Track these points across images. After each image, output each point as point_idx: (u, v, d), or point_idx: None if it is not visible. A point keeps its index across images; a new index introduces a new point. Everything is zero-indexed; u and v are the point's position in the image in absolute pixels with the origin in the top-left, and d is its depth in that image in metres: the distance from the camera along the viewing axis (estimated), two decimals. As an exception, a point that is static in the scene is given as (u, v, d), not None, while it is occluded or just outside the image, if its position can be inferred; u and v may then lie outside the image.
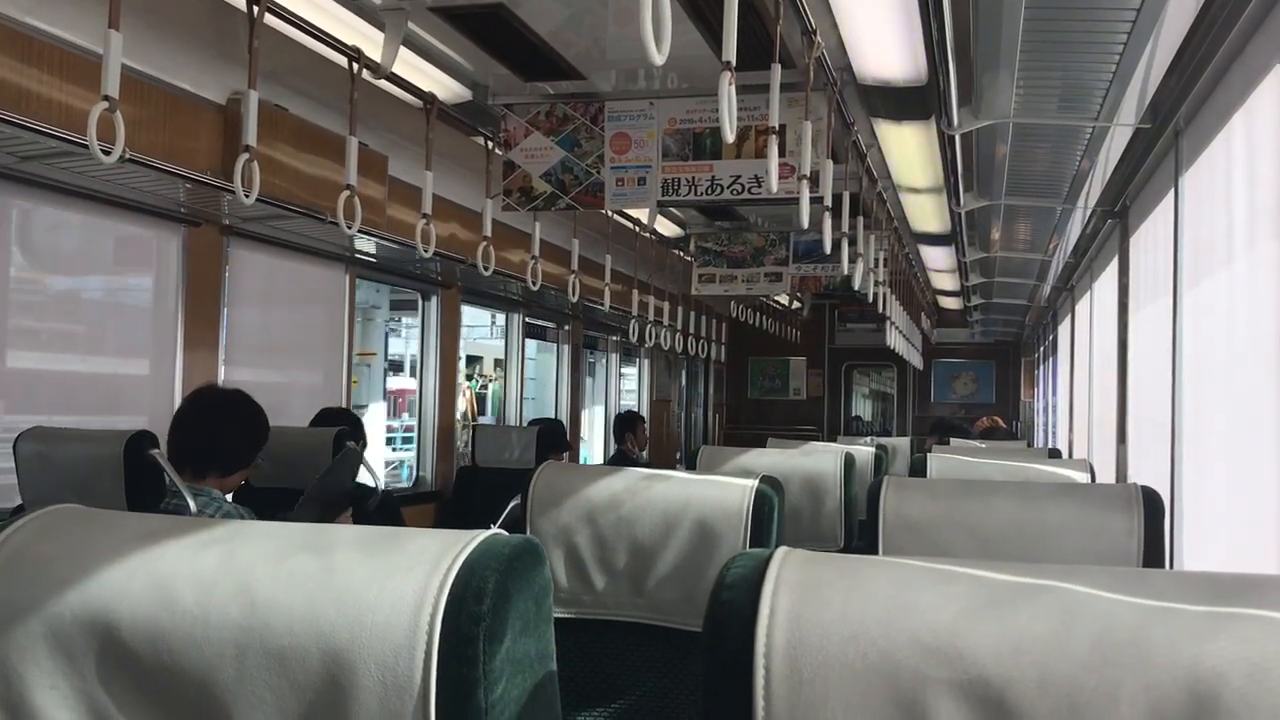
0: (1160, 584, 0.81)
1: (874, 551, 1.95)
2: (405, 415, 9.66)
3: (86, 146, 2.35)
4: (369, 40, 3.49)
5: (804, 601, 0.81)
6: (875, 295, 5.75)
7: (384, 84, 3.62)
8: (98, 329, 3.83)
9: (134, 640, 0.89)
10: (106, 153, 2.36)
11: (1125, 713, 0.73)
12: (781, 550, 0.87)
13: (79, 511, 1.01)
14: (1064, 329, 8.91)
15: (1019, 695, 0.75)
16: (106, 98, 2.34)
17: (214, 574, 0.90)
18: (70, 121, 2.78)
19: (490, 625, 0.86)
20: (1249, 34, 2.75)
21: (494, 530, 0.92)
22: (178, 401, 3.66)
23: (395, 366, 10.40)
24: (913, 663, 0.77)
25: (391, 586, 0.87)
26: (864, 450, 4.44)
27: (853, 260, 4.73)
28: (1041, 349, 11.81)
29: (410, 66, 3.84)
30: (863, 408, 14.87)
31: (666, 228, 7.18)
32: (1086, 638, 0.76)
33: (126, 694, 0.89)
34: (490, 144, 4.33)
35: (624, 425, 7.42)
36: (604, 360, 9.36)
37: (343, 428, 3.66)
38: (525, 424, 6.57)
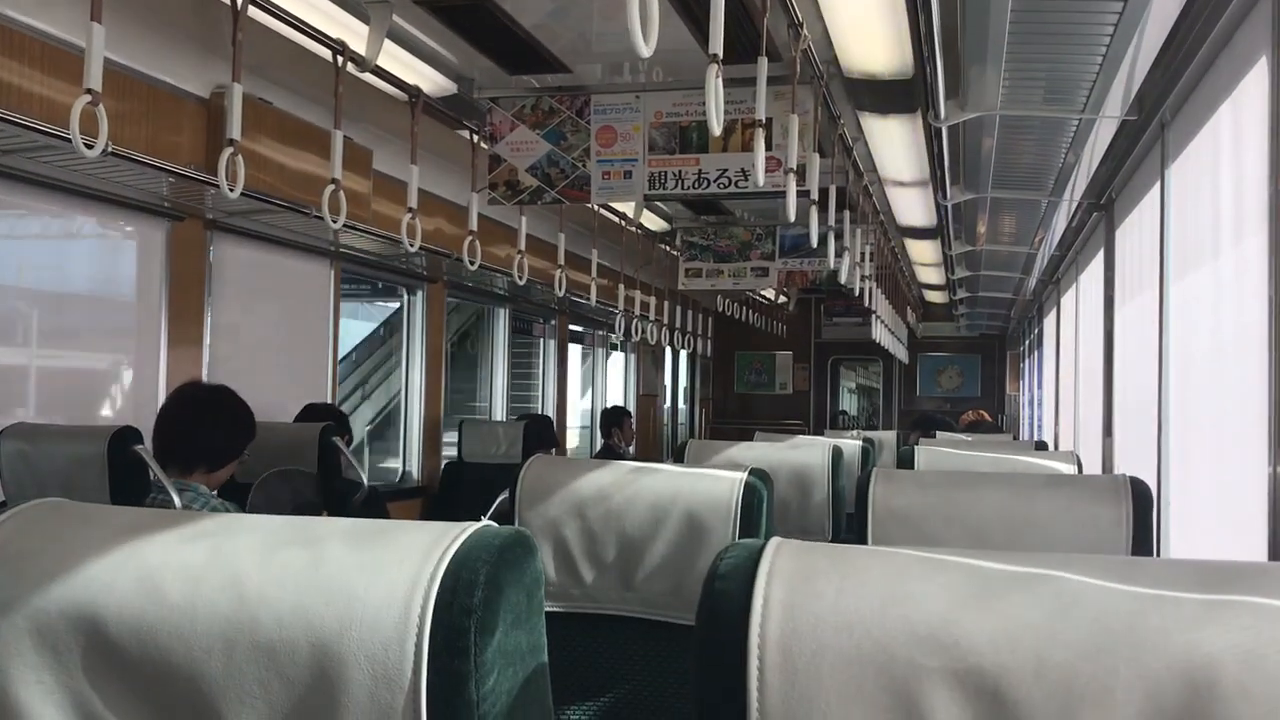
0: (1154, 572, 0.81)
1: (863, 544, 1.95)
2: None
3: (69, 140, 2.33)
4: (353, 34, 3.47)
5: (797, 591, 0.81)
6: (861, 289, 5.76)
7: (369, 77, 3.60)
8: (81, 325, 3.81)
9: (121, 634, 0.88)
10: (90, 146, 2.35)
11: (1121, 700, 0.73)
12: (775, 540, 0.86)
13: (64, 505, 1.00)
14: (1049, 322, 8.94)
15: (1014, 684, 0.75)
16: (89, 91, 2.32)
17: (202, 567, 0.89)
18: (51, 115, 2.76)
19: (481, 617, 0.85)
20: (1235, 26, 2.76)
21: (484, 522, 0.91)
22: (162, 397, 3.65)
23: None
24: (907, 652, 0.77)
25: (382, 579, 0.86)
26: (851, 444, 4.45)
27: (839, 254, 4.74)
28: (1027, 342, 11.85)
29: (395, 60, 3.82)
30: (849, 402, 14.91)
31: (653, 222, 7.18)
32: (1081, 626, 0.75)
33: (113, 688, 0.88)
34: (475, 138, 4.31)
35: (610, 420, 7.42)
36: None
37: (328, 423, 3.65)
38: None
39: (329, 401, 4.71)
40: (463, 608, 0.84)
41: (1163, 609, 0.76)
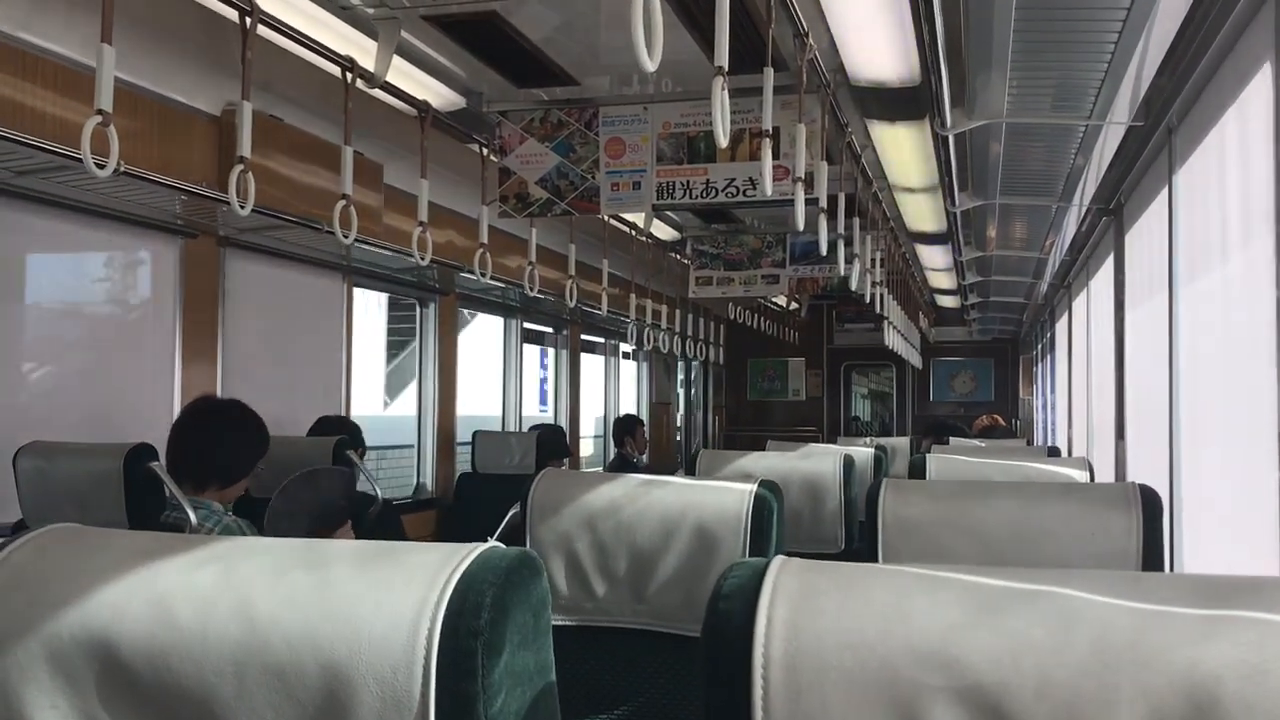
0: (1156, 587, 0.81)
1: (874, 554, 1.95)
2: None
3: (81, 160, 2.35)
4: (362, 50, 3.50)
5: (800, 611, 0.82)
6: (872, 295, 5.75)
7: (378, 93, 3.62)
8: (96, 342, 3.83)
9: (133, 658, 0.89)
10: (101, 166, 2.37)
11: (1124, 717, 0.73)
12: (778, 559, 0.87)
13: (77, 530, 1.02)
14: (1061, 326, 8.92)
15: (1016, 701, 0.75)
16: (100, 111, 2.35)
17: (212, 591, 0.90)
18: (65, 135, 2.78)
19: (489, 639, 0.86)
20: (1240, 30, 2.75)
21: (491, 543, 0.92)
22: (177, 413, 3.67)
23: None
24: (910, 670, 0.77)
25: (389, 601, 0.87)
26: (863, 451, 4.44)
27: (849, 261, 4.74)
28: (1040, 346, 11.81)
29: (404, 75, 3.84)
30: (862, 407, 14.88)
31: (663, 231, 7.19)
32: (1083, 643, 0.76)
33: (127, 712, 0.89)
34: (485, 151, 4.33)
35: (623, 429, 7.42)
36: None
37: (342, 436, 3.67)
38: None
39: (343, 414, 4.73)
40: (469, 629, 0.85)
41: (1165, 625, 0.76)
